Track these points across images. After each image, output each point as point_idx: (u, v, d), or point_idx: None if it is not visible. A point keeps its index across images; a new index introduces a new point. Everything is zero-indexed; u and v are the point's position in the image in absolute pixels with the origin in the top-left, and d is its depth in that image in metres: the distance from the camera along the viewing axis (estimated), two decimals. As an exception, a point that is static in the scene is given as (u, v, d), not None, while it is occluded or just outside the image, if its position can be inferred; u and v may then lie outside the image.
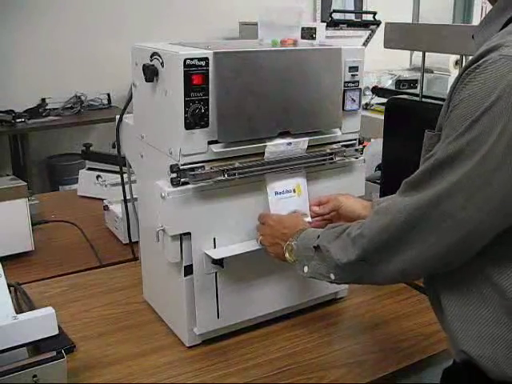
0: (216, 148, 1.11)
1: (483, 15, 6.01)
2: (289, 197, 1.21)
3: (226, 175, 1.12)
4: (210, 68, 1.06)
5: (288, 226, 1.12)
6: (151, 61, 1.12)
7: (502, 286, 0.82)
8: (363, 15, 4.44)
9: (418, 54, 4.06)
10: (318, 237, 1.01)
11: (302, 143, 1.19)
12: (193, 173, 1.09)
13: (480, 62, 0.78)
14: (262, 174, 1.17)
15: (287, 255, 1.08)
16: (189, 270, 1.17)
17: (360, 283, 1.03)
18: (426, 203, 0.81)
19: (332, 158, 1.25)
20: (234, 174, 1.12)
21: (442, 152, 0.80)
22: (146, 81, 1.13)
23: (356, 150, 1.30)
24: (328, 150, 1.24)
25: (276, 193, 1.20)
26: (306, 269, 1.04)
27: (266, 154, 1.16)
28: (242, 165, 1.13)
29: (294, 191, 1.22)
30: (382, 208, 0.90)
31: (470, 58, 0.81)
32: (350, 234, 0.93)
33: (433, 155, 0.82)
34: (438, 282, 0.91)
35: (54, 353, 1.01)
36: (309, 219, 1.22)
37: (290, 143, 1.18)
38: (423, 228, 0.82)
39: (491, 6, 0.89)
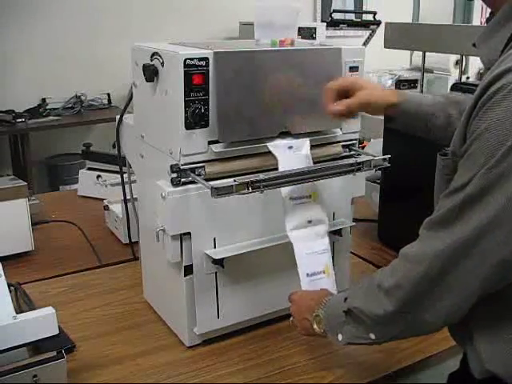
0: (216, 148, 1.11)
1: (483, 15, 6.01)
2: (305, 202, 1.17)
3: (250, 188, 1.06)
4: (211, 68, 1.06)
5: (313, 297, 1.06)
6: (151, 61, 1.12)
7: None
8: (363, 15, 4.44)
9: (418, 54, 4.06)
10: (345, 299, 0.95)
11: (305, 148, 1.18)
12: (216, 186, 1.05)
13: (498, 85, 0.74)
14: (285, 185, 1.13)
15: (315, 326, 1.01)
16: (189, 269, 1.17)
17: (403, 338, 0.96)
18: (462, 245, 0.78)
19: (360, 169, 1.20)
20: (259, 187, 1.07)
21: (471, 188, 0.76)
22: (146, 81, 1.13)
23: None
24: (357, 160, 1.21)
25: (291, 198, 1.16)
26: (340, 337, 0.97)
27: (279, 168, 1.13)
28: (267, 177, 1.08)
29: (310, 197, 1.18)
30: (413, 254, 0.85)
31: (486, 79, 0.77)
32: (382, 285, 0.87)
33: (456, 190, 0.79)
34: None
35: (54, 353, 1.01)
36: (326, 227, 1.19)
37: (290, 147, 1.17)
38: (463, 271, 0.79)
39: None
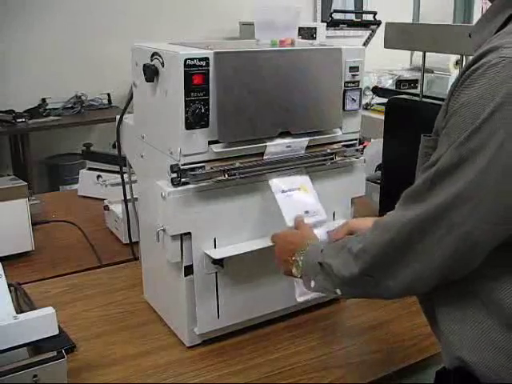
0: (216, 148, 1.11)
1: (483, 15, 6.00)
2: (296, 193, 1.19)
3: (226, 175, 1.12)
4: (211, 68, 1.06)
5: (294, 241, 1.09)
6: (151, 61, 1.12)
7: (500, 299, 0.81)
8: (363, 15, 4.44)
9: (418, 54, 4.05)
10: (322, 251, 0.99)
11: (301, 144, 1.19)
12: (193, 173, 1.09)
13: (479, 63, 0.75)
14: (263, 174, 1.17)
15: (294, 270, 1.05)
16: (189, 269, 1.17)
17: (367, 298, 1.00)
18: (430, 216, 0.79)
19: (333, 158, 1.25)
20: (235, 174, 1.12)
21: (443, 161, 0.78)
22: (147, 81, 1.13)
23: (356, 149, 1.30)
24: (328, 150, 1.24)
25: (283, 191, 1.18)
26: (312, 283, 1.01)
27: (265, 156, 1.16)
28: (243, 165, 1.13)
29: (300, 189, 1.20)
30: (383, 222, 0.87)
31: (470, 58, 0.80)
32: (351, 249, 0.90)
33: (432, 164, 0.80)
34: (434, 294, 0.89)
35: (54, 353, 1.01)
36: (324, 217, 1.20)
37: (289, 146, 1.17)
38: (428, 241, 0.80)
39: (490, 4, 0.89)
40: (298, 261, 1.04)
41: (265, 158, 1.16)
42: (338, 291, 0.95)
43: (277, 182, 1.18)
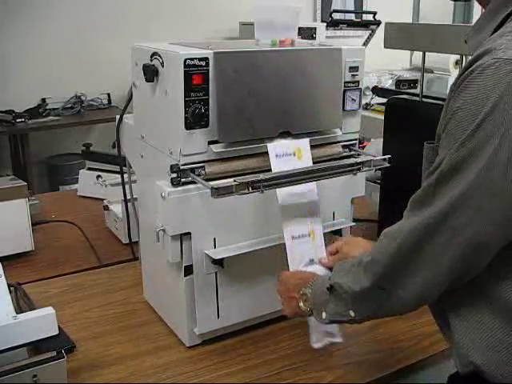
0: (216, 148, 1.11)
1: (483, 15, 6.00)
2: (306, 239, 1.16)
3: (250, 188, 1.07)
4: (211, 68, 1.06)
5: (302, 277, 1.07)
6: (151, 61, 1.12)
7: (509, 300, 0.81)
8: (363, 15, 4.44)
9: (418, 54, 4.05)
10: (329, 278, 0.97)
11: (305, 150, 1.17)
12: (216, 186, 1.05)
13: (473, 66, 0.76)
14: (285, 185, 1.12)
15: (301, 304, 1.02)
16: (189, 269, 1.17)
17: (380, 316, 0.98)
18: (435, 220, 0.79)
19: (360, 169, 1.21)
20: (259, 187, 1.07)
21: (444, 165, 0.78)
22: (146, 81, 1.13)
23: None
24: (357, 160, 1.21)
25: (293, 237, 1.15)
26: (323, 314, 0.98)
27: (273, 169, 1.12)
28: (267, 177, 1.08)
29: (310, 236, 1.17)
30: (390, 231, 0.87)
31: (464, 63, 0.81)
32: (361, 262, 0.90)
33: (435, 169, 0.80)
34: (444, 297, 0.88)
35: (54, 353, 1.01)
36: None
37: (289, 154, 1.15)
38: (436, 245, 0.80)
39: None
40: (307, 293, 1.02)
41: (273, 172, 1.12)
42: (351, 313, 0.93)
43: (289, 227, 1.15)
